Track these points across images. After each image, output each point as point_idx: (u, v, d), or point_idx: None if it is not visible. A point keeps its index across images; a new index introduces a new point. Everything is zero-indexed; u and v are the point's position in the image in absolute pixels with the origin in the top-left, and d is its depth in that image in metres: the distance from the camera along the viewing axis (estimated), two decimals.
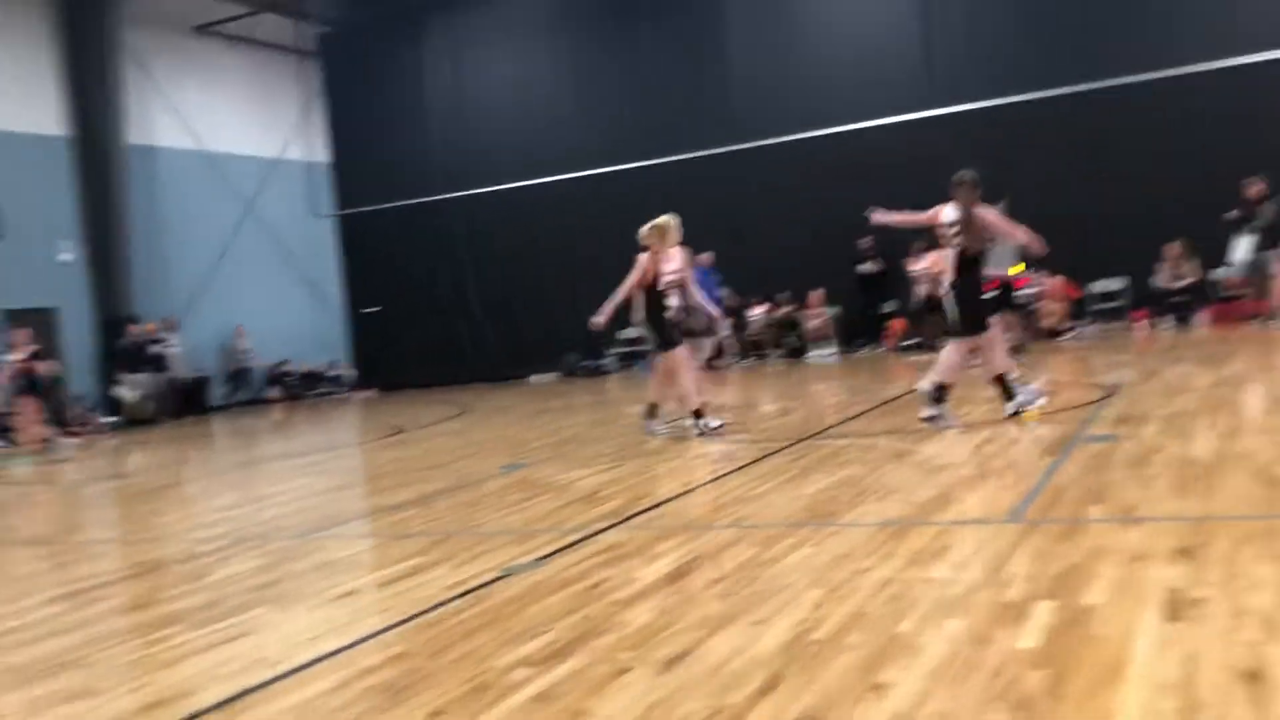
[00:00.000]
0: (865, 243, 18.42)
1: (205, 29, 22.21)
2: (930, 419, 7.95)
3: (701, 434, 8.88)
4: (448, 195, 22.18)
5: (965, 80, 18.24)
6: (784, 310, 19.29)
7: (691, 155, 20.02)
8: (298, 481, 9.65)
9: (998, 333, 8.14)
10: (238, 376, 22.03)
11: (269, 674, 3.60)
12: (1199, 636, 3.10)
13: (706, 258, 18.37)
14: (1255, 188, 14.55)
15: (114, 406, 19.12)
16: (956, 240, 7.97)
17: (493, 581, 4.62)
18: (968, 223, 7.88)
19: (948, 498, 5.47)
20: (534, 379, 20.71)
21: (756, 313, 19.27)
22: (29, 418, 15.82)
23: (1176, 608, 3.36)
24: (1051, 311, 16.35)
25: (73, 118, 19.69)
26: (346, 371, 23.75)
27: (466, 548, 5.57)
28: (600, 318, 9.22)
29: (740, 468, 7.12)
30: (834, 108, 19.03)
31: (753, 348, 19.24)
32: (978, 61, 18.27)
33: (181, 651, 4.04)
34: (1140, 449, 6.21)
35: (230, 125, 22.58)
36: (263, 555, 5.83)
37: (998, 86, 17.79)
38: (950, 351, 8.09)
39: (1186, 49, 16.57)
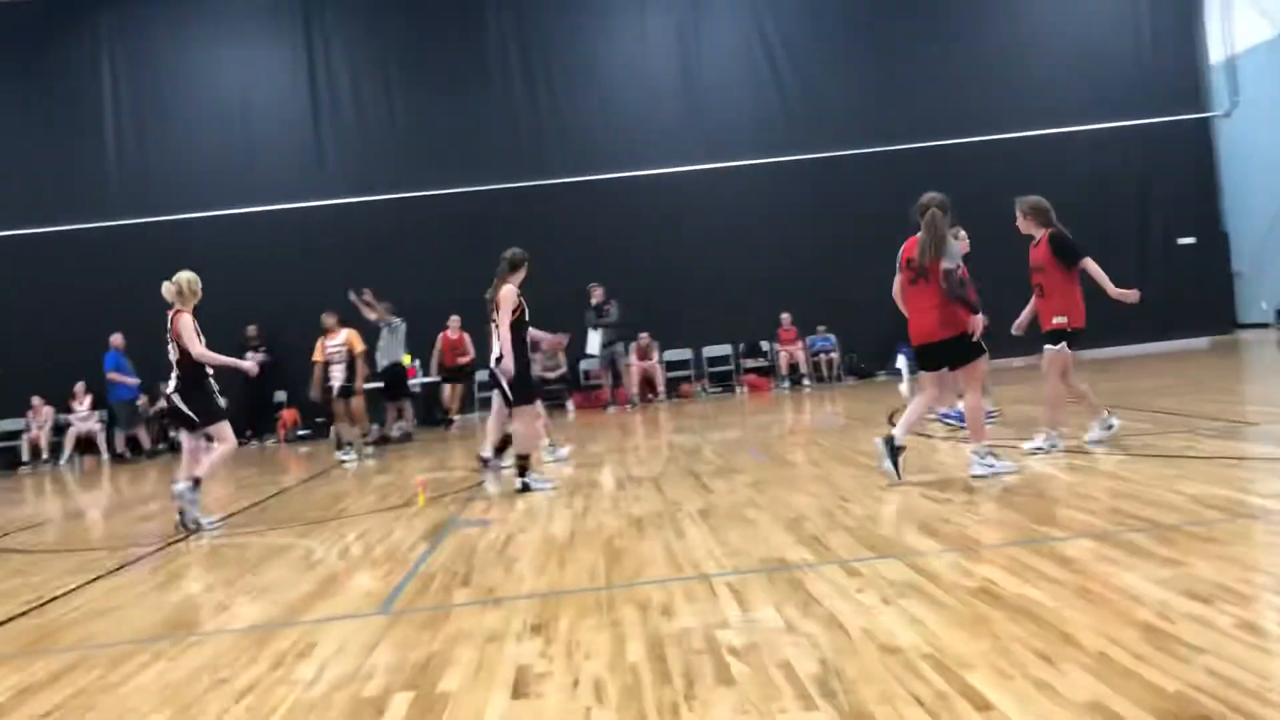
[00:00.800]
0: (251, 331, 17.86)
1: None
2: (524, 488, 8.16)
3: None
4: None
5: (358, 174, 18.65)
6: (164, 402, 17.99)
7: (64, 228, 18.25)
8: None
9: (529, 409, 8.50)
10: None
11: None
12: (541, 711, 3.28)
13: (118, 339, 16.76)
14: (598, 291, 16.53)
15: None
16: (495, 316, 8.26)
17: None
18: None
19: (320, 593, 5.35)
20: None
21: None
22: None
23: (523, 684, 3.54)
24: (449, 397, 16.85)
25: None
26: None
27: None
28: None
29: (93, 580, 6.39)
30: (226, 191, 18.41)
31: (130, 442, 17.64)
32: (371, 157, 18.79)
33: None
34: (507, 531, 6.59)
35: None
36: None
37: (391, 182, 18.44)
38: (519, 423, 8.32)
39: (551, 164, 18.48)
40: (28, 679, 4.22)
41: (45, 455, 17.46)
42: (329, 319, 13.33)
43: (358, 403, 13.12)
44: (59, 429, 17.71)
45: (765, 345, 18.58)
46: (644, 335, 17.67)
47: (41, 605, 5.75)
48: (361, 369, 13.22)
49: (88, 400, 17.75)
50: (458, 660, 3.89)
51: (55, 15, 18.88)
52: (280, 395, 18.14)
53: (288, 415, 17.92)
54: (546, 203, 18.31)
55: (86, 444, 17.74)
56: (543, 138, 18.87)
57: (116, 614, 5.40)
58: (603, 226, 18.03)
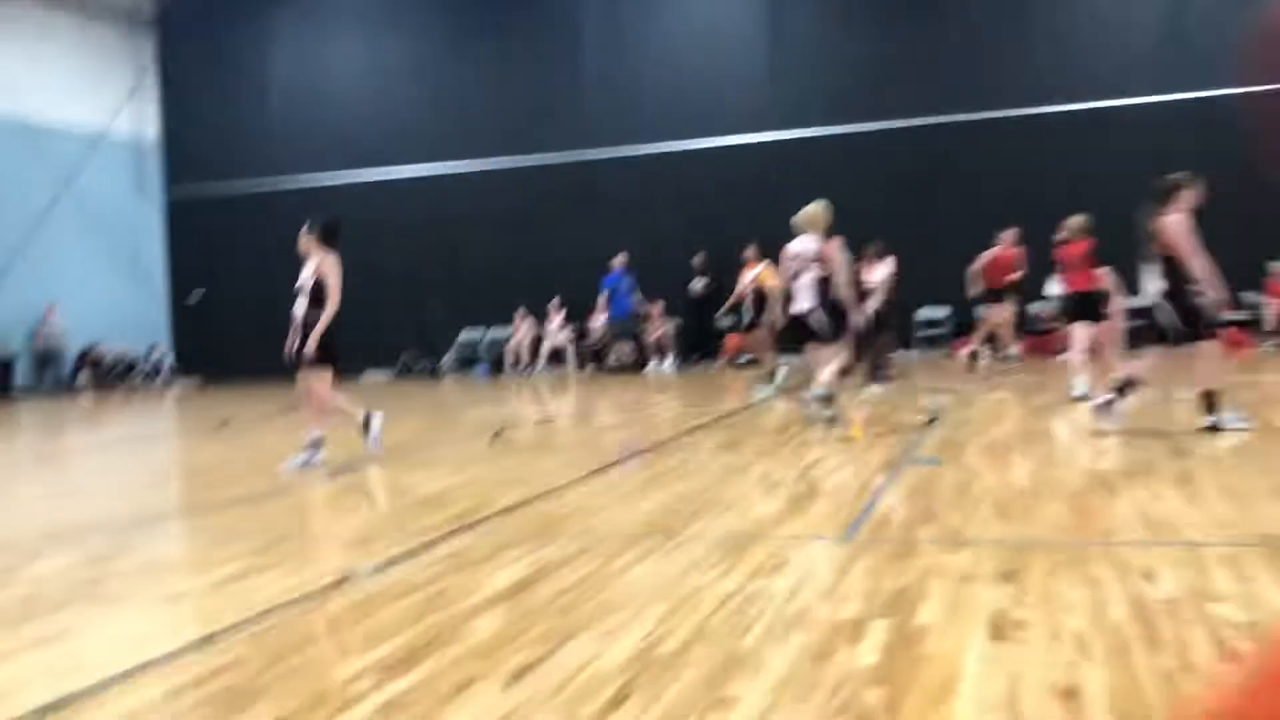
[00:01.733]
0: (697, 260, 18.77)
1: None
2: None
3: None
4: (286, 180, 21.53)
5: (809, 106, 18.87)
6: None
7: (540, 156, 20.07)
8: (116, 474, 9.19)
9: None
10: (47, 359, 20.77)
11: (95, 678, 3.42)
12: (1021, 656, 3.29)
13: (621, 259, 18.29)
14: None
15: None
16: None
17: (330, 586, 4.52)
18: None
19: (784, 513, 5.63)
20: (366, 376, 20.28)
21: (598, 323, 19.40)
22: None
23: (1001, 628, 3.56)
24: None
25: None
26: (166, 358, 22.71)
27: (300, 551, 5.43)
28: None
29: (581, 478, 7.15)
30: (680, 123, 19.38)
31: (593, 357, 19.35)
32: (822, 89, 18.93)
33: None
34: (963, 474, 6.54)
35: (53, 93, 21.31)
36: (81, 550, 5.53)
37: (839, 114, 18.49)
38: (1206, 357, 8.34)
39: (1025, 91, 17.61)
40: (544, 559, 4.86)
41: (524, 362, 19.61)
42: (749, 252, 13.59)
43: (758, 336, 13.32)
44: (537, 340, 19.79)
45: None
46: None
47: (542, 496, 6.54)
48: (771, 304, 13.26)
49: (560, 316, 19.63)
50: (930, 595, 3.97)
51: None
52: (725, 322, 18.99)
53: (731, 341, 18.73)
54: (1020, 132, 17.51)
55: (556, 355, 19.66)
56: (1014, 60, 17.99)
57: (604, 512, 6.03)
58: None
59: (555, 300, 19.52)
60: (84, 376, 21.03)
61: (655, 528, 5.47)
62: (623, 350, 18.49)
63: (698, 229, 18.72)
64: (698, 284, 19.04)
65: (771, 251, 13.34)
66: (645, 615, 3.89)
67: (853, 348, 12.35)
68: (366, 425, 8.26)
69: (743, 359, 18.42)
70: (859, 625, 3.66)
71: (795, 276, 9.03)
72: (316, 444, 8.16)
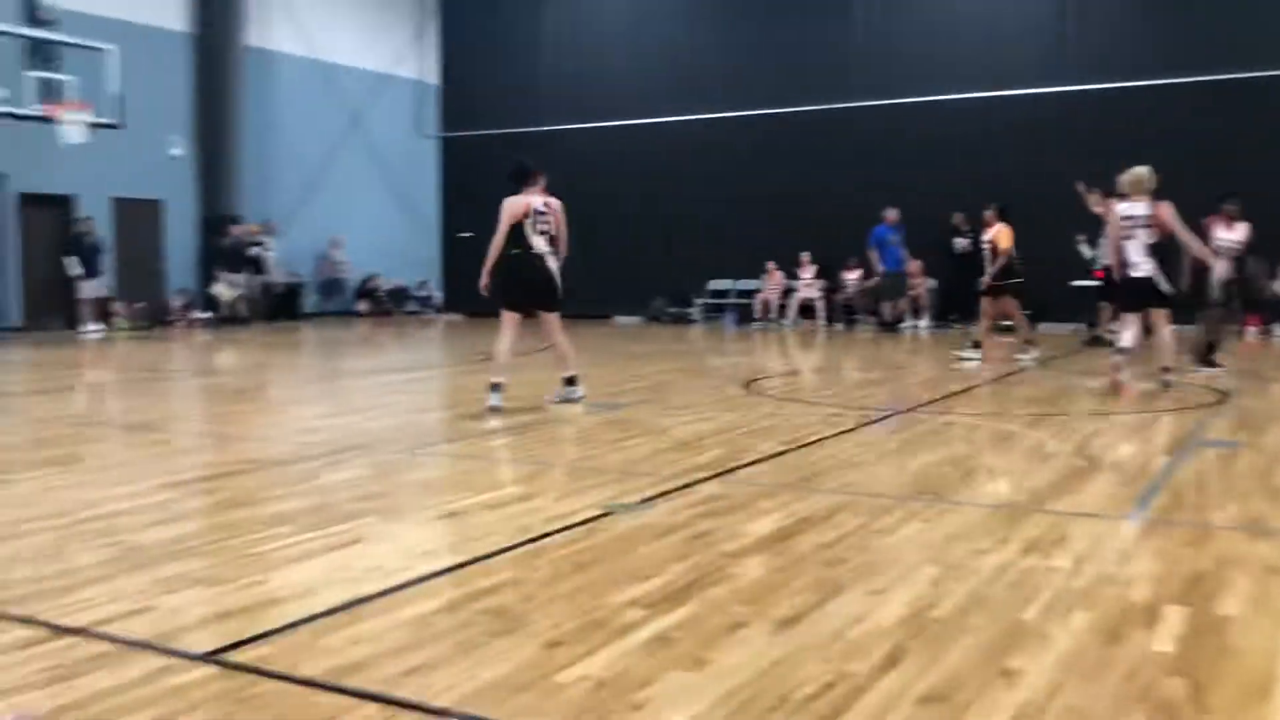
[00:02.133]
0: (959, 218, 17.95)
1: None
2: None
3: None
4: (551, 127, 22.09)
5: (1098, 59, 17.64)
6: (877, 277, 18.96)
7: (799, 109, 19.73)
8: (394, 396, 9.78)
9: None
10: (330, 286, 22.34)
11: (384, 584, 3.63)
12: None
13: (893, 214, 17.78)
14: None
15: (210, 303, 19.54)
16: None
17: (596, 518, 4.62)
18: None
19: (1060, 486, 5.33)
20: (618, 320, 20.72)
21: (851, 277, 19.01)
22: None
23: None
24: None
25: (194, 14, 19.92)
26: (435, 293, 23.95)
27: (566, 481, 5.59)
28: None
29: (839, 434, 7.02)
30: (949, 75, 18.54)
31: (845, 312, 19.00)
32: (1113, 41, 17.65)
33: (295, 552, 4.09)
34: (1264, 459, 5.99)
35: (345, 38, 22.67)
36: (366, 466, 5.90)
37: (1132, 68, 17.18)
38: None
39: None
40: (803, 511, 4.79)
41: (773, 314, 19.49)
42: (988, 212, 12.71)
43: (992, 302, 12.48)
44: (787, 293, 19.61)
45: None
46: None
47: (798, 448, 6.46)
48: (999, 265, 12.31)
49: (811, 270, 19.37)
50: (1232, 585, 3.65)
51: None
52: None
53: (989, 305, 17.88)
54: None
55: (806, 308, 19.41)
56: None
57: (866, 468, 5.89)
58: None
59: (806, 254, 19.26)
60: (363, 305, 22.49)
61: (921, 490, 5.30)
62: (889, 306, 17.96)
63: (959, 186, 17.88)
64: (959, 243, 18.25)
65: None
66: (914, 577, 3.76)
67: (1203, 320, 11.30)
68: (492, 389, 7.99)
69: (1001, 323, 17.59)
70: (1151, 609, 3.41)
71: (1125, 239, 8.77)
72: (572, 381, 8.39)
